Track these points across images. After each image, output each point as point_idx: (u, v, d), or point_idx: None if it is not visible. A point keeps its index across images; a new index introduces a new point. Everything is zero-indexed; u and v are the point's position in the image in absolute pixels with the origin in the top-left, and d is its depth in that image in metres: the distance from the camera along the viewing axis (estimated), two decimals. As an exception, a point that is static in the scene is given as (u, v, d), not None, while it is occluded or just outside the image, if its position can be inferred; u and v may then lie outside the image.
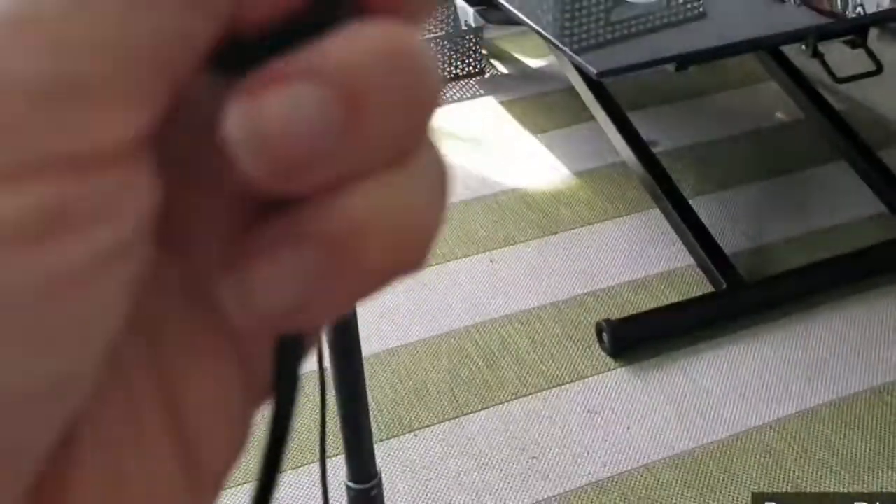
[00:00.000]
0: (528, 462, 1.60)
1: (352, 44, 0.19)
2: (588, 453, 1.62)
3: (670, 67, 1.82)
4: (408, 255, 0.20)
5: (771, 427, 1.66)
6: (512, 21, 2.20)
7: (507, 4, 1.96)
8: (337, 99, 0.19)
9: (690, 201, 2.01)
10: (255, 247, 0.19)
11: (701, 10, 1.97)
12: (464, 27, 2.71)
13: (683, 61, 1.80)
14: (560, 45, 1.74)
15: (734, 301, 1.87)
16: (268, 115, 0.18)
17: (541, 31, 1.84)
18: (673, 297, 1.90)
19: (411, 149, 0.20)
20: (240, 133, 0.18)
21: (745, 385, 1.74)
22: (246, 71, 0.19)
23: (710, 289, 1.90)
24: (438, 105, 0.20)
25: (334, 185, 0.19)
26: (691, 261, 1.97)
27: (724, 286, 1.87)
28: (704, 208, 2.05)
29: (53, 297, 0.17)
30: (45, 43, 0.17)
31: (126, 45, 0.17)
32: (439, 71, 0.21)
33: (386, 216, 0.20)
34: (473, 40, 2.69)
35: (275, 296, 0.19)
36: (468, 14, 2.69)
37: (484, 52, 2.73)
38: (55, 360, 0.18)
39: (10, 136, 0.17)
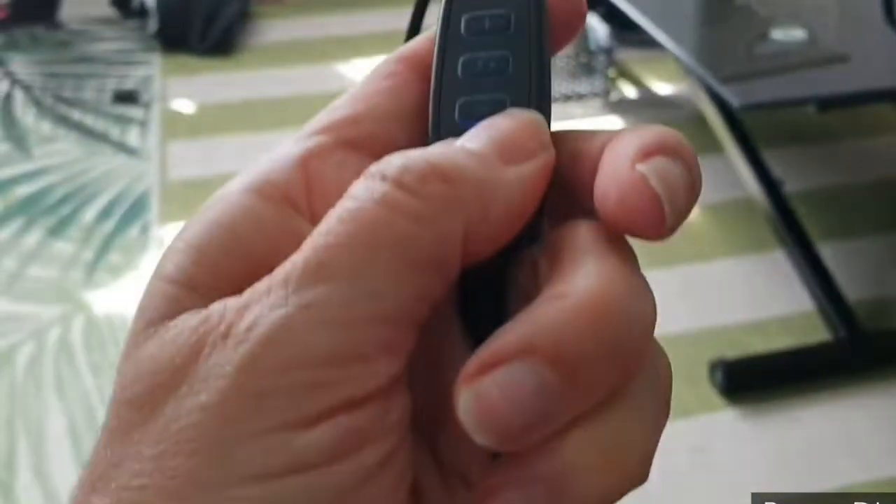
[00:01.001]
0: (627, 497, 1.57)
1: (558, 314, 0.22)
2: (690, 492, 1.58)
3: (809, 107, 1.79)
4: (628, 480, 0.23)
5: (881, 484, 1.60)
6: (645, 44, 2.18)
7: (648, 28, 1.94)
8: (551, 371, 0.21)
9: (814, 246, 1.97)
10: (488, 490, 0.23)
11: (844, 51, 1.92)
12: (593, 47, 2.69)
13: (826, 103, 1.76)
14: (702, 74, 1.72)
15: (853, 351, 1.82)
16: (488, 399, 0.21)
17: (681, 57, 1.81)
18: (788, 342, 1.86)
19: (623, 386, 0.23)
20: (466, 415, 0.21)
21: (858, 438, 1.69)
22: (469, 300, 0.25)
23: (828, 337, 1.85)
24: (648, 344, 0.23)
25: (553, 434, 0.22)
26: (810, 307, 1.92)
27: (844, 335, 1.82)
28: (827, 254, 1.99)
29: (344, 499, 0.22)
30: (337, 324, 0.22)
31: (391, 318, 0.22)
32: (650, 306, 0.23)
33: (604, 452, 0.22)
34: (603, 61, 2.67)
35: None
36: (599, 34, 2.67)
37: (612, 73, 2.71)
38: None
39: (310, 394, 0.21)
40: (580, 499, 0.22)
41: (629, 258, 0.24)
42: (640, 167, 0.23)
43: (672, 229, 0.24)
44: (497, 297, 0.24)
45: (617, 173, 0.24)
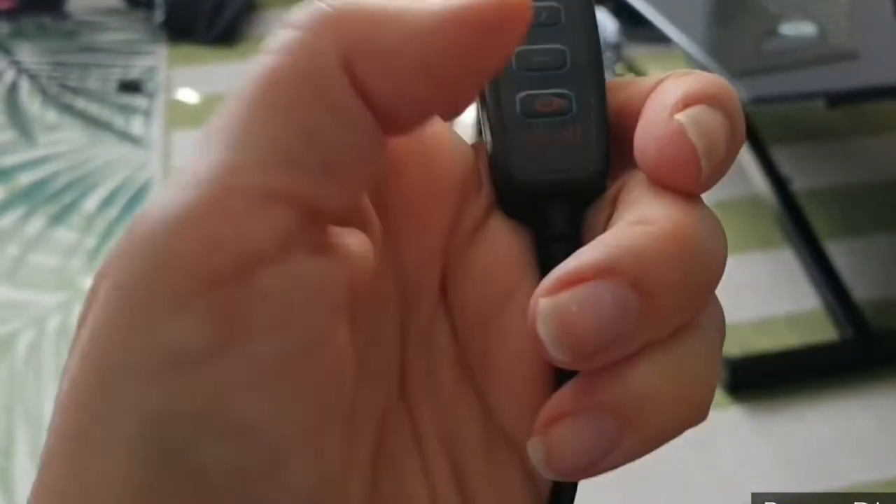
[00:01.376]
0: (628, 491, 1.56)
1: (642, 238, 0.21)
2: (694, 489, 1.57)
3: (819, 104, 1.77)
4: (695, 413, 0.22)
5: (886, 484, 1.59)
6: (655, 40, 2.16)
7: (657, 23, 1.93)
8: (632, 293, 0.20)
9: (822, 244, 1.95)
10: (554, 414, 0.22)
11: (854, 47, 1.91)
12: (602, 43, 2.68)
13: (835, 99, 1.75)
14: (711, 69, 1.70)
15: (860, 350, 1.81)
16: (567, 313, 0.20)
17: (691, 52, 1.80)
18: (794, 340, 1.84)
19: (694, 319, 0.23)
20: (544, 326, 0.20)
21: (863, 438, 1.68)
22: (528, 214, 0.24)
23: (835, 336, 1.84)
24: (720, 280, 0.23)
25: (626, 358, 0.21)
26: (817, 305, 1.91)
27: (851, 334, 1.80)
28: (835, 252, 1.98)
29: (242, 399, 0.18)
30: (195, 181, 0.19)
31: (261, 162, 0.20)
32: (723, 243, 0.23)
33: (674, 381, 0.22)
34: (611, 56, 2.65)
35: (573, 457, 0.21)
36: (608, 29, 2.65)
37: (620, 69, 2.70)
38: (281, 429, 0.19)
39: (166, 267, 0.18)
40: (647, 429, 0.22)
41: (699, 198, 0.24)
42: (679, 117, 0.22)
43: (707, 183, 0.23)
44: (569, 251, 0.22)
45: (656, 124, 0.23)
